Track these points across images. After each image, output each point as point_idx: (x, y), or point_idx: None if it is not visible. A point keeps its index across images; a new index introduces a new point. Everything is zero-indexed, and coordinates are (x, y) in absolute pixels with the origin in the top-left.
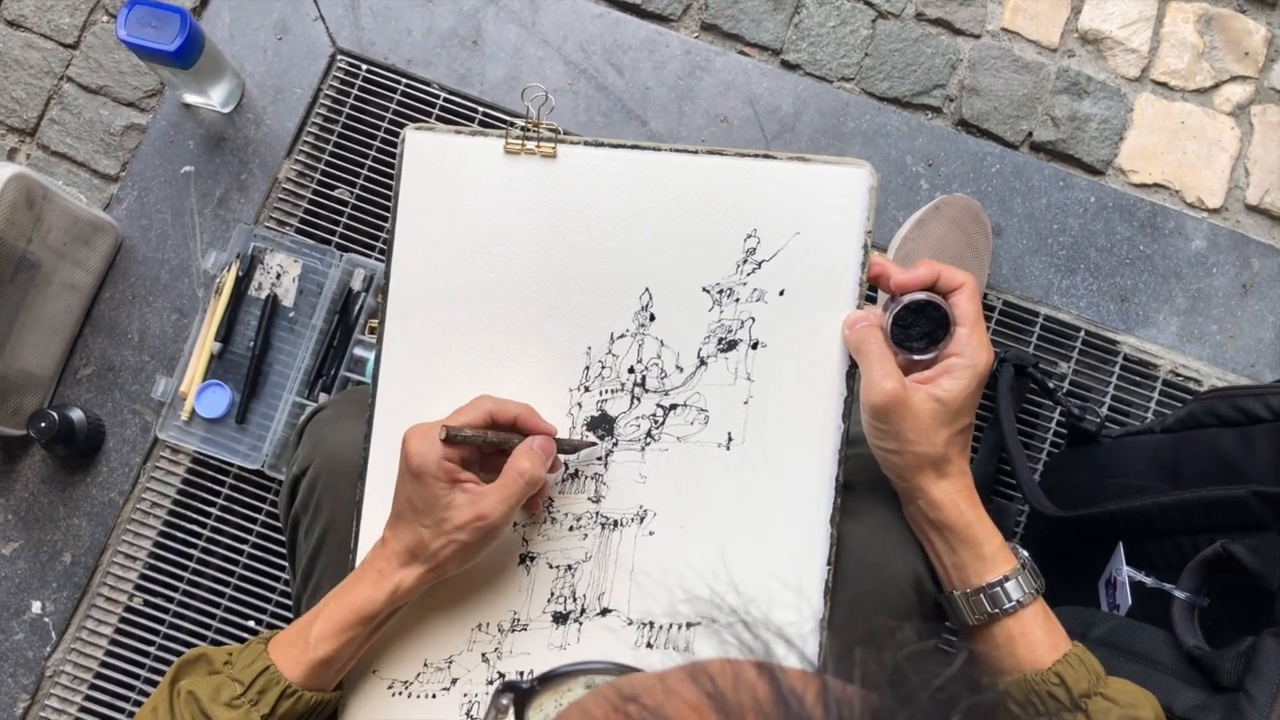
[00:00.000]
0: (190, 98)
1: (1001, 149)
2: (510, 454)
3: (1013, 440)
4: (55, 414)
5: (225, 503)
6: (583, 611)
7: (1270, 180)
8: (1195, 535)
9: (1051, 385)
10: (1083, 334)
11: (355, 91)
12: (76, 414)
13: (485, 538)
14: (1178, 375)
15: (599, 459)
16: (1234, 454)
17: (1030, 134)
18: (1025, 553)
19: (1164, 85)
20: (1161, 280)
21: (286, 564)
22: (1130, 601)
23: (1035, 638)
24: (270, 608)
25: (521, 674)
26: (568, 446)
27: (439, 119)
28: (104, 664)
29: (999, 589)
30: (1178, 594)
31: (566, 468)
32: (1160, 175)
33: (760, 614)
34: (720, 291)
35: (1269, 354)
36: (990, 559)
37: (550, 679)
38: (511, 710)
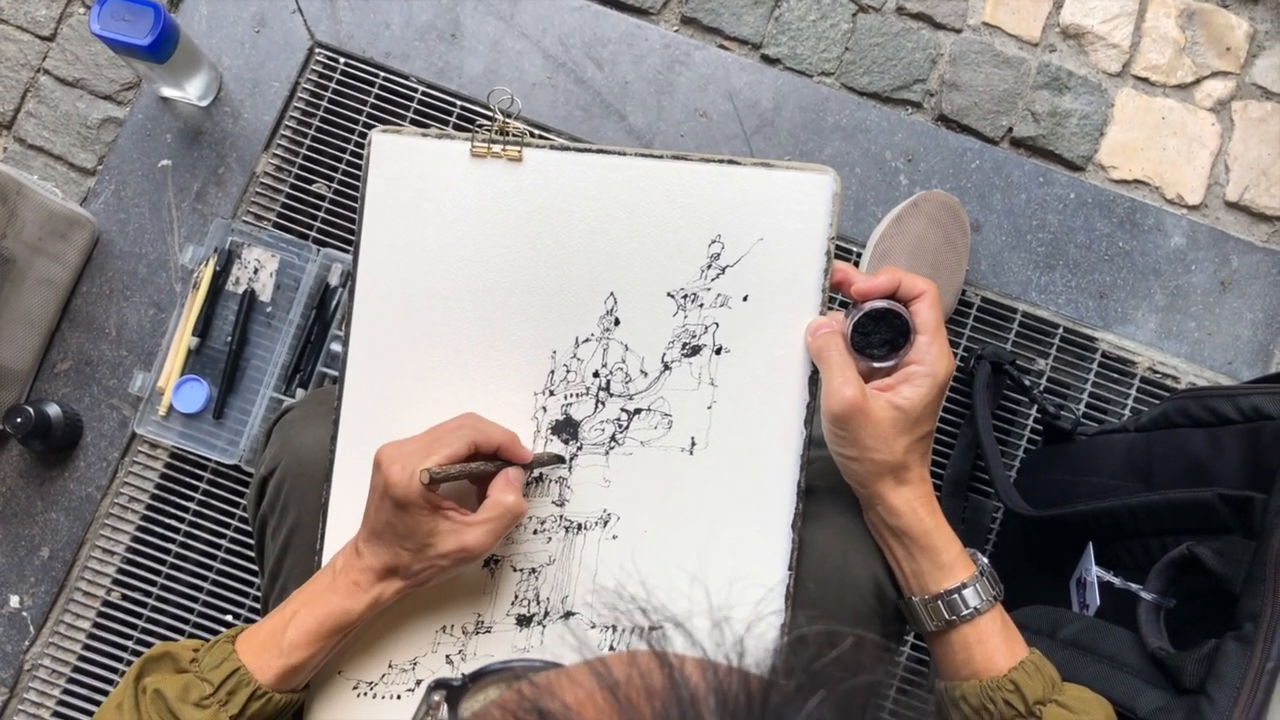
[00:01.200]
0: (167, 91)
1: (981, 144)
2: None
3: (988, 438)
4: (32, 409)
5: (203, 497)
6: (546, 615)
7: (1250, 177)
8: (1163, 537)
9: (1028, 382)
10: (1061, 331)
11: (333, 85)
12: (53, 409)
13: (466, 564)
14: (1155, 373)
15: (563, 463)
16: (1203, 455)
17: (1010, 129)
18: (984, 560)
19: (1145, 81)
20: (1140, 277)
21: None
22: (1099, 601)
23: (993, 645)
24: (248, 602)
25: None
26: (536, 464)
27: (417, 113)
28: (82, 658)
29: (957, 596)
30: (1144, 595)
31: (530, 472)
32: (1140, 171)
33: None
34: (684, 296)
35: (1246, 351)
36: (948, 566)
37: (482, 676)
38: (444, 706)
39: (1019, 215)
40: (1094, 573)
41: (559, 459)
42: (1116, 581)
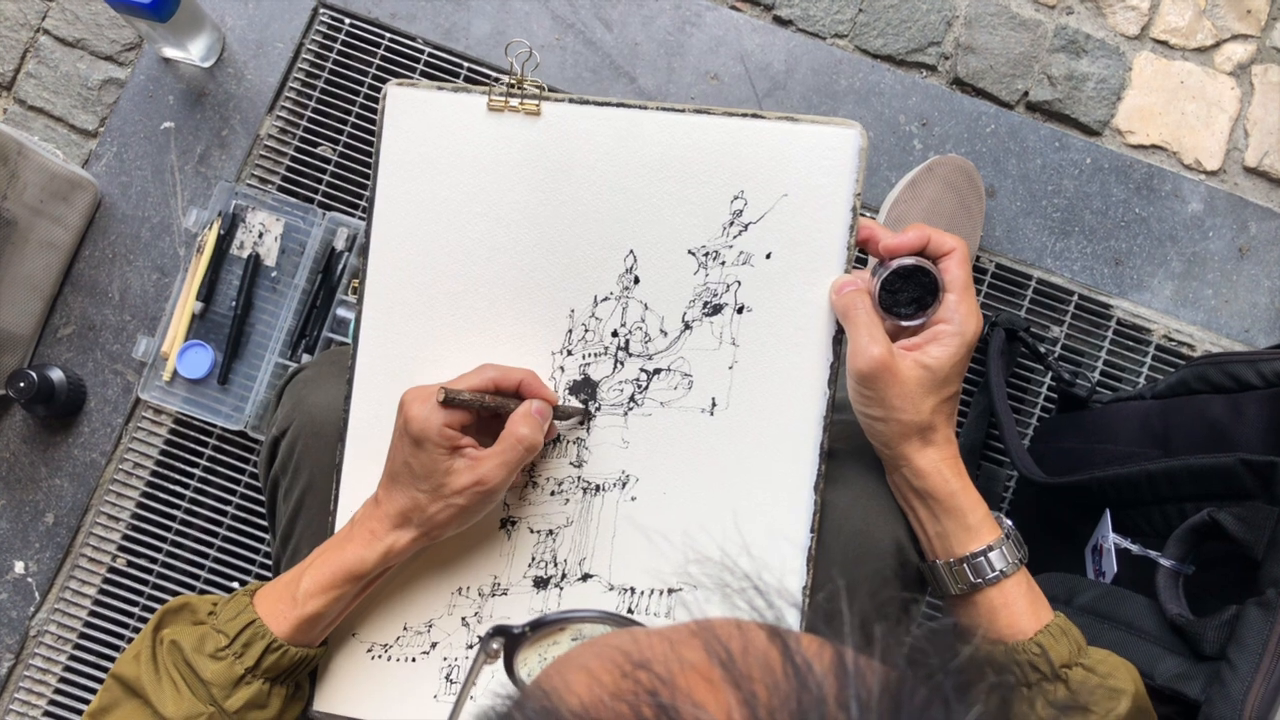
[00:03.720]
0: (169, 52)
1: (997, 109)
2: (507, 419)
3: (1002, 405)
4: (35, 374)
5: (208, 464)
6: (563, 577)
7: (1270, 142)
8: (1183, 503)
9: (1043, 349)
10: (1076, 298)
11: (338, 46)
12: (57, 374)
13: (482, 502)
14: (1171, 340)
15: (581, 423)
16: (1224, 421)
17: (1026, 93)
18: (1009, 522)
19: (1164, 44)
20: (1157, 243)
21: (267, 525)
22: (1116, 569)
23: (1018, 608)
24: (254, 569)
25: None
26: (562, 413)
27: (423, 75)
28: (88, 624)
29: (982, 559)
30: (1163, 561)
31: (560, 439)
32: (1158, 136)
33: (775, 580)
34: (706, 254)
35: (1264, 319)
36: (974, 529)
37: (541, 625)
38: (502, 654)
39: (1034, 180)
40: (1111, 539)
41: (585, 411)
42: (1134, 548)
